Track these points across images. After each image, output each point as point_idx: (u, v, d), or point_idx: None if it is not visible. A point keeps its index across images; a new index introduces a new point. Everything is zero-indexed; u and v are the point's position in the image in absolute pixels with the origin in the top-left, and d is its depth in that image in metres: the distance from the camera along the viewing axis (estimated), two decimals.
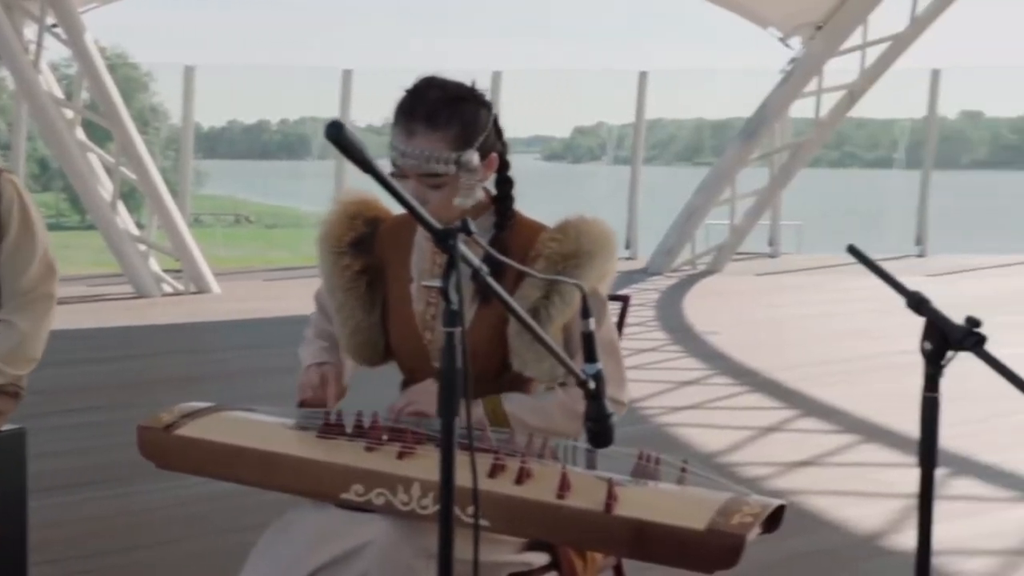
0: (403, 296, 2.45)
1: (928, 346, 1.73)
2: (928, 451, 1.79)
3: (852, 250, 1.96)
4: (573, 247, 2.29)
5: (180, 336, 8.95)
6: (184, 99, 13.20)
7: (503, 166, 2.39)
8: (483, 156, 2.30)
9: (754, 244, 14.74)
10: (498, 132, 2.36)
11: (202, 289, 11.22)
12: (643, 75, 14.51)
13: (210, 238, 20.33)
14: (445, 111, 2.26)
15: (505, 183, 2.40)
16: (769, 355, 7.78)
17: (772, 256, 14.90)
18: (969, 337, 1.69)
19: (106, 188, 11.13)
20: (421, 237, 2.45)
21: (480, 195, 2.36)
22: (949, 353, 1.74)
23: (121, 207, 11.30)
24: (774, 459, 5.23)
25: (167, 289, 11.20)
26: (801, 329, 9.11)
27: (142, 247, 11.25)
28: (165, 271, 11.39)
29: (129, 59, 31.62)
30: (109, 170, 11.21)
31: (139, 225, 11.96)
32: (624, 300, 2.74)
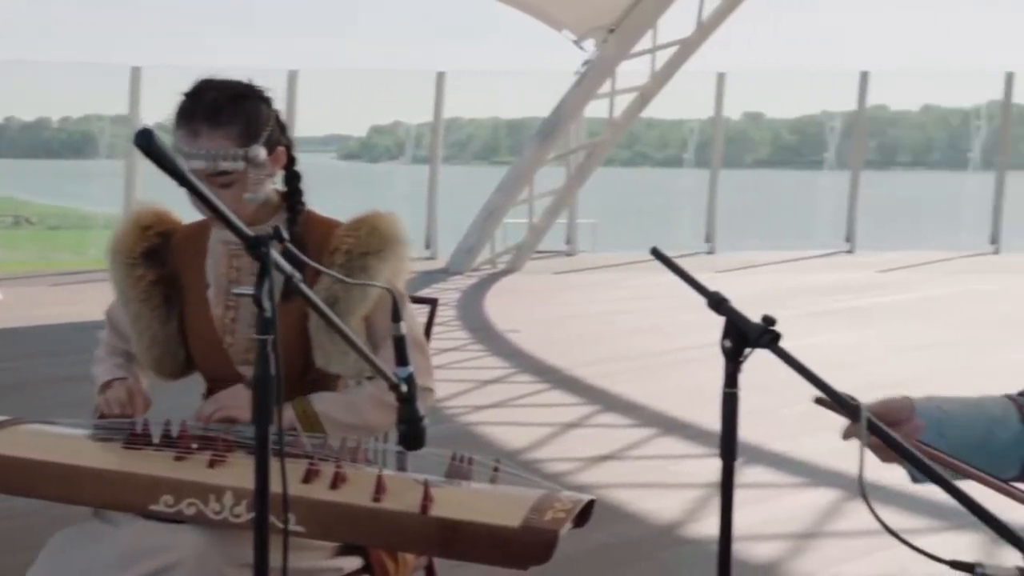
0: (200, 302, 2.43)
1: (728, 344, 1.81)
2: (729, 445, 1.87)
3: (655, 252, 2.03)
4: (368, 242, 2.32)
5: None
6: None
7: (290, 160, 2.41)
8: (270, 150, 2.33)
9: (552, 243, 14.99)
10: (281, 126, 2.39)
11: None
12: (440, 75, 14.58)
13: None
14: (226, 109, 2.27)
15: (294, 178, 2.42)
16: (569, 352, 7.94)
17: (570, 254, 15.19)
18: (765, 335, 1.77)
19: None
20: (215, 243, 2.44)
21: (269, 189, 2.37)
22: (747, 350, 1.82)
23: None
24: (576, 454, 5.35)
25: None
26: (599, 326, 9.32)
27: None
28: None
29: None
30: None
31: None
32: (432, 303, 2.76)
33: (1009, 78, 15.82)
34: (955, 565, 1.36)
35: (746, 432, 5.92)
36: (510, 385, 7.01)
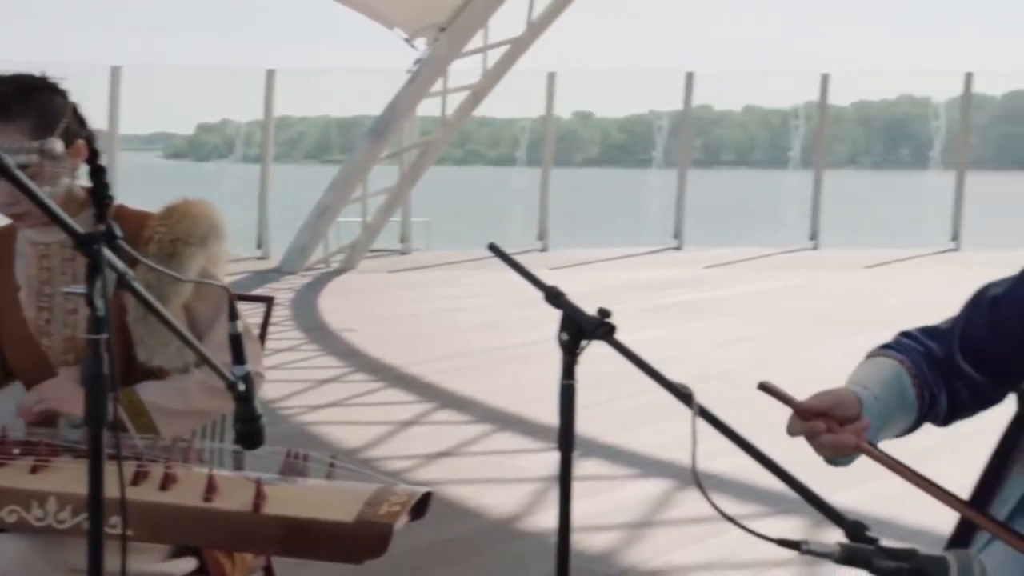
0: (12, 306, 2.36)
1: (565, 337, 1.83)
2: (567, 436, 1.89)
3: (492, 248, 2.04)
4: (181, 229, 2.30)
5: None
6: None
7: (93, 154, 2.36)
8: (67, 143, 2.28)
9: (386, 241, 14.94)
10: (80, 119, 2.34)
11: None
12: (270, 73, 14.37)
13: None
14: (16, 102, 2.22)
15: (98, 172, 2.38)
16: (405, 350, 7.92)
17: (404, 253, 15.16)
18: (601, 327, 1.80)
19: None
20: (23, 244, 2.38)
21: (71, 184, 2.33)
22: (583, 342, 1.85)
23: None
24: (414, 452, 5.34)
25: None
26: (435, 324, 9.33)
27: None
28: None
29: None
30: None
31: None
32: (268, 302, 2.72)
33: (825, 79, 16.44)
34: (782, 543, 1.41)
35: (582, 425, 6.01)
36: (346, 384, 6.96)
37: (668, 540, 4.23)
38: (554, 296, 1.85)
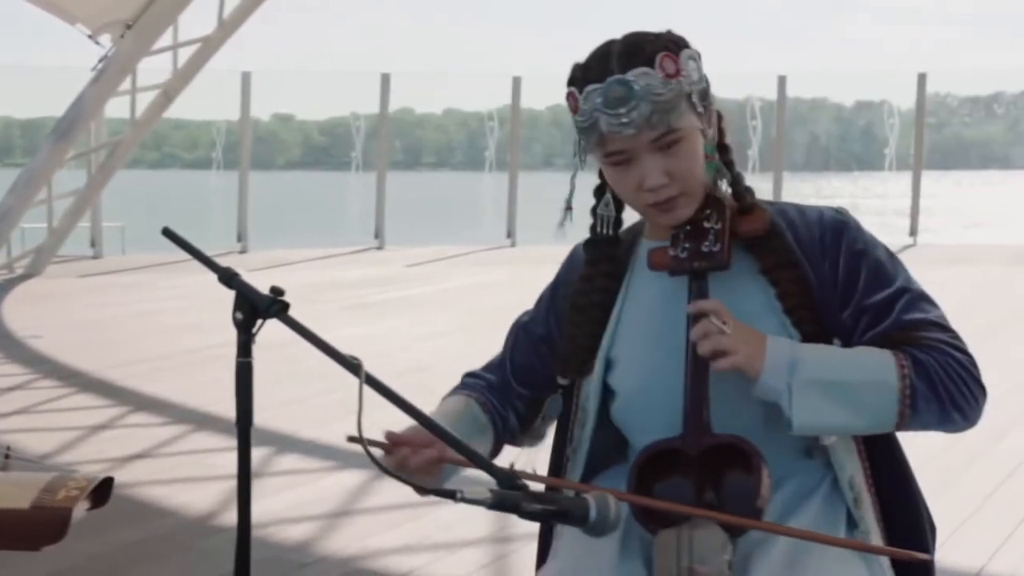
0: None
1: (239, 316, 1.89)
2: (243, 412, 1.96)
3: (166, 232, 2.07)
4: None
5: None
6: None
7: None
8: None
9: (76, 247, 14.38)
10: None
11: None
12: None
13: None
14: None
15: None
16: (98, 355, 7.68)
17: (96, 257, 14.61)
18: (275, 305, 1.87)
19: None
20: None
21: None
22: (259, 321, 1.91)
23: None
24: (108, 455, 5.22)
25: None
26: (131, 327, 9.07)
27: None
28: None
29: None
30: None
31: None
32: None
33: (517, 82, 17.00)
34: (438, 493, 1.52)
35: (280, 423, 6.06)
36: (32, 391, 6.70)
37: (365, 527, 4.33)
38: (228, 277, 1.91)
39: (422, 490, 1.59)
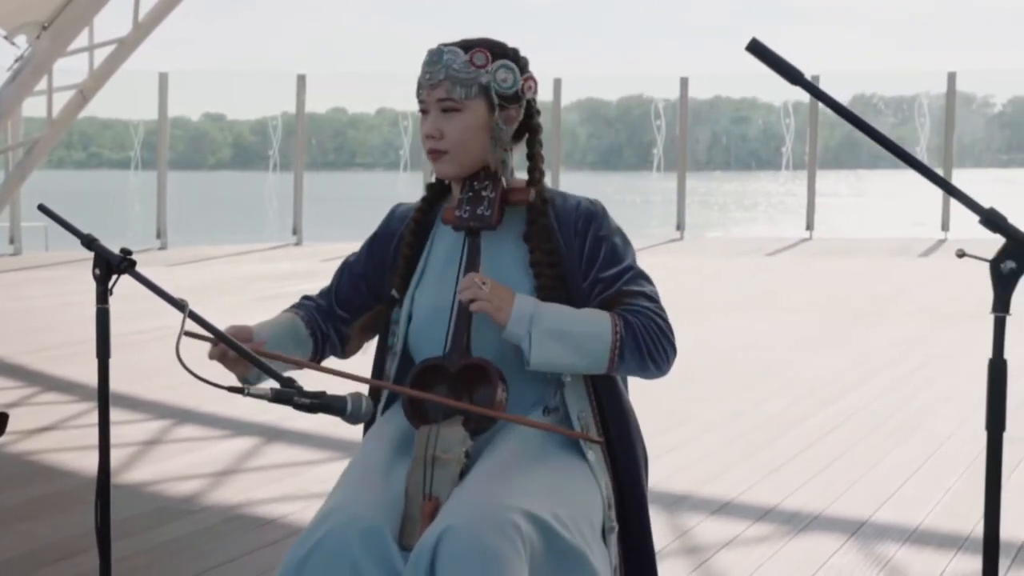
0: None
1: (97, 272, 2.40)
2: (103, 353, 2.45)
3: (41, 208, 2.57)
4: None
5: None
6: None
7: None
8: None
9: None
10: None
11: None
12: None
13: None
14: None
15: None
16: (15, 342, 8.08)
17: (15, 254, 14.89)
18: (124, 262, 2.38)
19: None
20: None
21: None
22: (114, 277, 2.42)
23: None
24: (18, 428, 5.65)
25: None
26: (48, 318, 9.44)
27: None
28: None
29: None
30: None
31: None
32: None
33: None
34: (231, 389, 2.04)
35: (184, 398, 6.52)
36: None
37: (249, 482, 4.83)
38: (88, 241, 2.42)
39: (213, 384, 2.07)
